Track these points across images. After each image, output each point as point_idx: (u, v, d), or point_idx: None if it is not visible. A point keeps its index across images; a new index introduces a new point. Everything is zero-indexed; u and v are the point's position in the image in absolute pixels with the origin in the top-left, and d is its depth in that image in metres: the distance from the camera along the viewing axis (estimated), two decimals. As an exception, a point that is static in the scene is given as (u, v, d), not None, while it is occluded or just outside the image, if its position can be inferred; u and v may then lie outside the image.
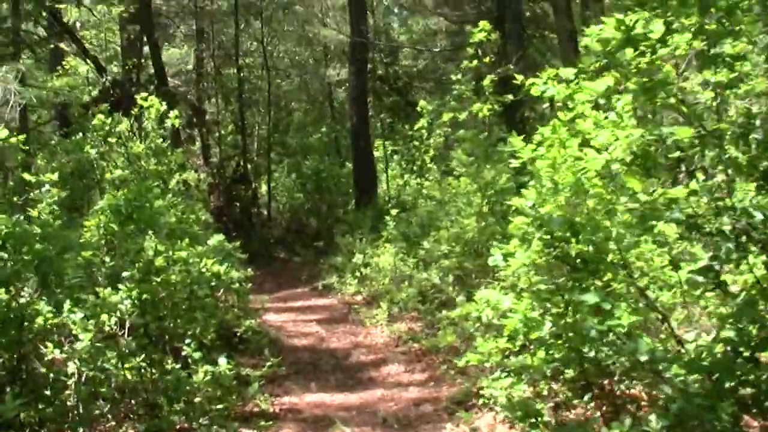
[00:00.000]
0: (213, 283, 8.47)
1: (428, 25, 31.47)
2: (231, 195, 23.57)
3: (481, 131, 12.05)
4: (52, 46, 23.53)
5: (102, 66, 21.33)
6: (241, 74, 25.21)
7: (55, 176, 9.40)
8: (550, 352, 6.33)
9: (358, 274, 15.36)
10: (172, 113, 13.94)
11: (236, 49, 24.67)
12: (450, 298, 11.11)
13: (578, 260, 5.89)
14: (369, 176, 21.90)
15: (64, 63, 22.55)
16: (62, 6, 22.83)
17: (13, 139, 8.32)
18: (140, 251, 7.69)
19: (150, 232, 8.15)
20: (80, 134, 13.45)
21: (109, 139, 12.99)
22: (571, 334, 5.86)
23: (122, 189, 8.65)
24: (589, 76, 6.25)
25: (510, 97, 11.46)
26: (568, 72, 6.45)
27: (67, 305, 6.80)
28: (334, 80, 29.39)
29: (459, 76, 12.99)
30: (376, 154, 23.69)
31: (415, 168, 23.49)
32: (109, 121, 13.01)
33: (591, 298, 5.52)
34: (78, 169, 13.21)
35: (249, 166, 25.13)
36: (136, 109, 13.81)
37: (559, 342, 6.13)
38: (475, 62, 12.50)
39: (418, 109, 23.19)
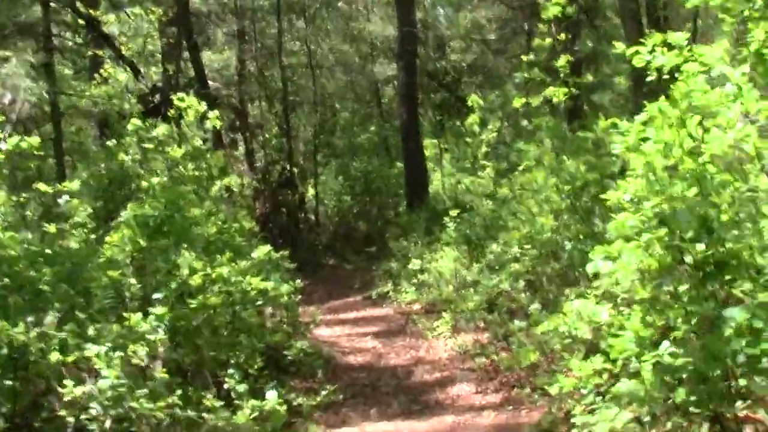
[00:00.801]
0: (259, 302, 7.45)
1: (475, 17, 30.44)
2: (277, 200, 22.57)
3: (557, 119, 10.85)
4: (90, 53, 22.97)
5: (138, 70, 20.52)
6: (285, 75, 24.15)
7: (75, 185, 8.40)
8: (667, 377, 5.18)
9: (414, 280, 14.25)
10: (212, 114, 12.90)
11: (279, 49, 23.66)
12: (521, 306, 9.98)
13: (711, 265, 4.73)
14: (420, 176, 20.84)
15: (101, 71, 21.90)
16: (98, 12, 22.18)
17: (24, 144, 7.24)
18: (173, 269, 6.65)
19: (184, 246, 7.13)
20: (114, 141, 12.45)
21: (146, 145, 11.99)
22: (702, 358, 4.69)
23: (151, 197, 7.46)
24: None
25: (590, 77, 10.29)
26: (678, 37, 5.32)
27: (90, 334, 5.80)
28: (382, 77, 28.30)
29: (531, 57, 11.43)
30: (426, 152, 22.62)
31: (467, 165, 22.45)
32: (144, 125, 12.01)
33: (739, 314, 4.35)
34: (113, 178, 12.24)
35: (295, 169, 24.10)
36: (172, 111, 12.82)
37: (683, 364, 4.96)
38: (548, 40, 11.05)
39: (469, 104, 22.25)
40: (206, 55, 25.49)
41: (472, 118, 21.92)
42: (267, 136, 24.93)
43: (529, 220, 10.67)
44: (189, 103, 12.68)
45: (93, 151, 14.29)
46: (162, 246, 7.20)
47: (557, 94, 10.41)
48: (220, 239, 9.02)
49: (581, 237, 8.64)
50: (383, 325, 13.24)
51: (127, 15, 22.63)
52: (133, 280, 6.76)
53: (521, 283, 10.36)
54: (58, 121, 16.84)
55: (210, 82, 22.59)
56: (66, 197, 8.51)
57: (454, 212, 13.90)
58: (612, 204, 5.97)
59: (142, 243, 7.04)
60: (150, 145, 11.84)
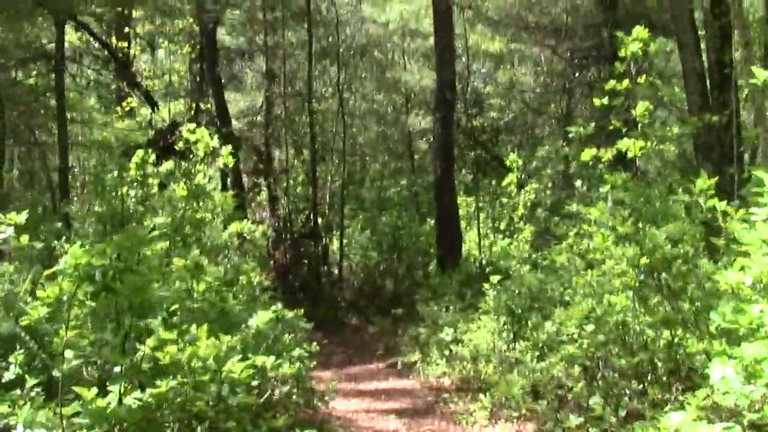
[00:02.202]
0: (255, 382, 5.99)
1: (515, 74, 29.40)
2: (299, 251, 21.15)
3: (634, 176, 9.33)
4: (114, 87, 22.36)
5: (155, 103, 19.51)
6: (314, 120, 22.86)
7: (16, 217, 6.75)
8: None
9: (446, 352, 12.70)
10: (224, 149, 11.53)
11: (309, 92, 22.40)
12: (577, 397, 8.45)
13: None
14: (453, 235, 19.41)
15: (124, 104, 21.12)
16: (124, 45, 21.43)
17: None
18: (123, 343, 5.10)
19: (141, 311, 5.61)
20: (115, 175, 11.07)
21: (150, 180, 10.61)
22: None
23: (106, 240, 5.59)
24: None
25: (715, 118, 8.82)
26: None
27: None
28: (416, 129, 27.04)
29: (604, 101, 9.83)
30: (460, 211, 21.25)
31: (503, 227, 21.11)
32: (147, 158, 10.62)
33: None
34: (113, 216, 10.87)
35: (320, 220, 22.72)
36: (180, 144, 11.49)
37: None
38: (626, 83, 9.50)
39: (507, 163, 21.00)
40: (233, 96, 24.43)
41: (510, 178, 20.69)
42: (292, 182, 23.59)
43: (591, 296, 9.12)
44: (199, 136, 11.30)
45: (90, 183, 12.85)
46: (111, 311, 5.45)
47: (632, 147, 8.97)
48: (206, 301, 7.51)
49: (668, 324, 7.15)
50: (408, 401, 11.66)
51: (151, 46, 21.92)
52: (68, 353, 5.13)
53: (577, 370, 8.84)
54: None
55: (234, 122, 21.45)
56: (8, 231, 6.84)
57: (495, 278, 12.31)
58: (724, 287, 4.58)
59: (84, 303, 5.31)
60: (153, 181, 10.44)
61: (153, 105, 19.56)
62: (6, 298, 7.09)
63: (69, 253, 4.89)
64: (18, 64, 20.16)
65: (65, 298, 5.16)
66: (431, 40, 22.67)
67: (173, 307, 5.97)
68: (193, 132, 11.29)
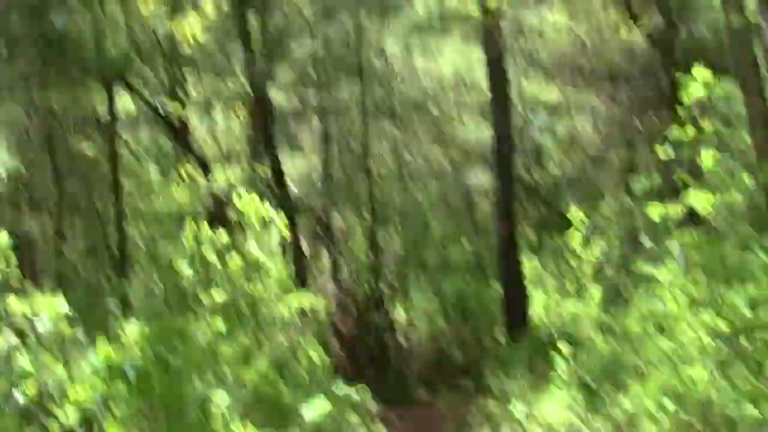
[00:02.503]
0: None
1: (575, 125, 28.64)
2: (364, 322, 20.56)
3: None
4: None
5: (209, 170, 19.32)
6: (372, 181, 22.41)
7: (52, 300, 6.10)
8: None
9: (519, 429, 11.92)
10: (279, 218, 11.06)
11: (365, 152, 21.98)
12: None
13: None
14: (519, 298, 18.72)
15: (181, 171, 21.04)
16: (178, 109, 21.42)
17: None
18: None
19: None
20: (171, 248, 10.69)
21: (205, 254, 10.15)
22: None
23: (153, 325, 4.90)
24: None
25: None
26: None
27: None
28: (476, 187, 26.41)
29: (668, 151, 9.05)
30: (525, 272, 20.48)
31: (570, 288, 20.29)
32: (198, 229, 10.18)
33: None
34: (169, 295, 10.44)
35: (384, 288, 22.12)
36: (233, 214, 11.10)
37: None
38: (691, 131, 8.68)
39: (571, 219, 20.33)
40: (289, 158, 24.14)
41: (574, 236, 19.98)
42: (353, 249, 23.08)
43: (666, 366, 8.35)
44: (252, 204, 10.88)
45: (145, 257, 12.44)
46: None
47: (702, 202, 8.25)
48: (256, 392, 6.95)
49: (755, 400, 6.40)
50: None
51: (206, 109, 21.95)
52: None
53: (660, 451, 8.06)
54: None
55: (291, 185, 21.13)
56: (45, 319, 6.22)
57: (564, 348, 11.55)
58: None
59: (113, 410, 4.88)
60: (209, 254, 10.00)
61: (207, 171, 19.37)
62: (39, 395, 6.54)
63: (98, 348, 4.55)
64: (73, 132, 20.21)
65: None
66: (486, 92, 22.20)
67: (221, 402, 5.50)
68: (243, 200, 10.92)
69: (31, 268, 18.90)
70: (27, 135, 19.17)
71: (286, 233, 11.78)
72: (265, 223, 11.81)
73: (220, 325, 9.24)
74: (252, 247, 10.29)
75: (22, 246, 19.89)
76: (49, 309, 6.02)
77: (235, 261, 10.14)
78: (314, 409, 6.82)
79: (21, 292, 6.85)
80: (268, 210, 11.09)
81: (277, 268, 10.74)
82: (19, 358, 5.75)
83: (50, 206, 20.33)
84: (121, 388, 4.50)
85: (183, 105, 21.93)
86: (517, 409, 12.04)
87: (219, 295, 9.74)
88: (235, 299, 9.79)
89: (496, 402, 13.35)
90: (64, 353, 7.20)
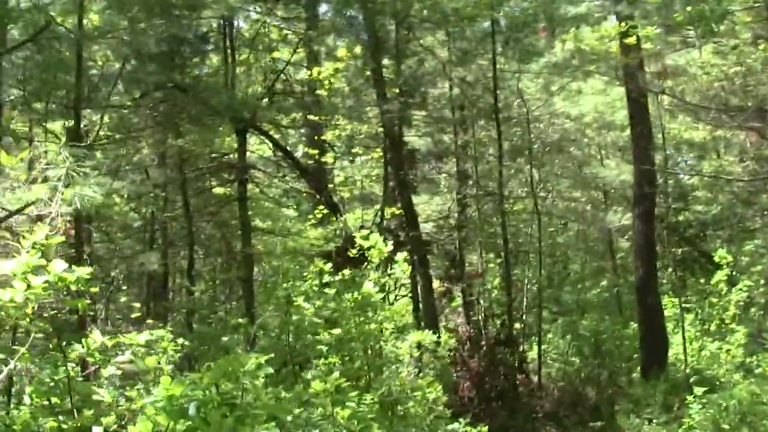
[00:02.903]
0: None
1: (722, 164, 27.76)
2: (495, 359, 20.30)
3: None
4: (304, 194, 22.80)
5: (339, 211, 19.64)
6: (507, 221, 22.22)
7: (135, 337, 6.16)
8: None
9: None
10: (400, 256, 11.13)
11: (500, 192, 21.85)
12: None
13: None
14: (658, 339, 18.18)
15: (316, 212, 21.45)
16: (315, 152, 21.87)
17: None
18: None
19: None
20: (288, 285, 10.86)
21: (324, 290, 10.32)
22: None
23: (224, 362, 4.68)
24: None
25: None
26: None
27: None
28: (615, 227, 25.91)
29: None
30: (665, 312, 19.90)
31: (712, 329, 19.62)
32: (323, 268, 10.37)
33: None
34: (290, 332, 10.62)
35: (516, 325, 21.86)
36: (353, 251, 11.22)
37: None
38: None
39: (716, 259, 19.67)
40: (424, 199, 24.27)
41: (719, 275, 19.39)
42: (487, 287, 22.91)
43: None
44: (372, 242, 10.97)
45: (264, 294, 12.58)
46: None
47: None
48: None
49: None
50: None
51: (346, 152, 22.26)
52: None
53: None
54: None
55: (424, 225, 21.21)
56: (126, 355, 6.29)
57: (699, 390, 11.18)
58: None
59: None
60: (329, 291, 10.13)
61: (336, 212, 19.69)
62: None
63: (161, 384, 4.43)
64: (205, 174, 20.93)
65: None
66: (628, 132, 21.85)
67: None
68: (366, 238, 11.01)
69: (163, 304, 19.65)
70: (162, 176, 19.92)
71: (406, 270, 11.83)
72: (388, 262, 11.91)
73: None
74: (369, 284, 10.30)
75: (155, 283, 20.79)
76: (132, 343, 6.06)
77: (352, 298, 10.20)
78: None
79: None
80: (389, 247, 11.17)
81: (395, 305, 10.84)
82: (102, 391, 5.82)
83: (182, 245, 21.07)
84: (180, 427, 4.24)
85: (318, 149, 22.41)
86: (649, 451, 11.69)
87: (334, 332, 9.84)
88: (350, 335, 9.84)
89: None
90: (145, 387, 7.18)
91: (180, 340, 9.82)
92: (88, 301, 6.06)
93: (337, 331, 9.91)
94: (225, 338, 10.31)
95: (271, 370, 4.44)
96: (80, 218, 12.56)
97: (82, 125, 15.04)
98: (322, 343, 9.69)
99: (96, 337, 5.20)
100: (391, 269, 11.45)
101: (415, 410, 9.55)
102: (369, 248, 10.99)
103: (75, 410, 4.70)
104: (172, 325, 18.28)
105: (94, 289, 6.82)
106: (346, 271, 10.52)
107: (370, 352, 9.86)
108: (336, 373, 6.27)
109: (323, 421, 6.53)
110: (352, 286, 10.13)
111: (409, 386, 9.80)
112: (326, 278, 10.28)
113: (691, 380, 14.19)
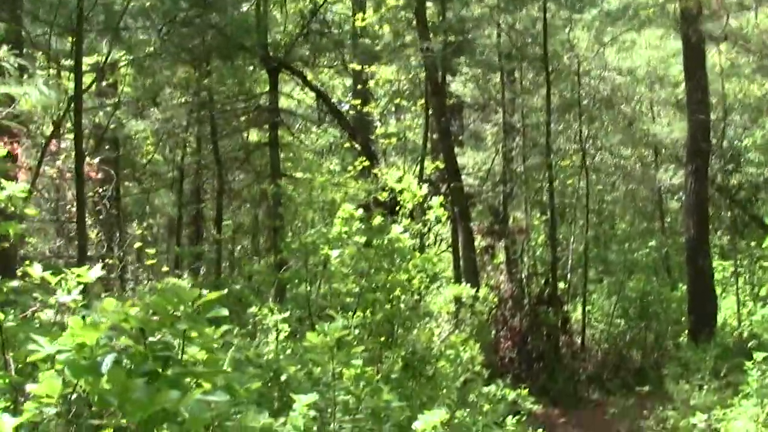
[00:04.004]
0: None
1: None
2: (537, 318, 19.60)
3: None
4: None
5: (375, 159, 18.89)
6: (554, 176, 21.39)
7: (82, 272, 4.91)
8: None
9: (699, 442, 10.89)
10: (435, 200, 10.29)
11: (548, 147, 21.02)
12: None
13: None
14: (708, 302, 17.42)
15: (356, 163, 20.85)
16: (357, 102, 21.20)
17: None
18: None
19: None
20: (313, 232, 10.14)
21: (356, 239, 9.53)
22: None
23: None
24: None
25: None
26: None
27: None
28: (666, 185, 24.98)
29: None
30: (715, 276, 19.12)
31: (763, 293, 18.83)
32: (356, 216, 9.57)
33: None
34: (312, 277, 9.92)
35: (560, 284, 21.12)
36: (384, 194, 10.49)
37: None
38: None
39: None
40: (470, 153, 23.52)
41: (772, 239, 18.55)
42: (531, 244, 22.13)
43: None
44: (405, 184, 10.18)
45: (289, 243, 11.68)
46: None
47: None
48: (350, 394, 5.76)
49: None
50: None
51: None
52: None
53: None
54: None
55: (466, 178, 20.48)
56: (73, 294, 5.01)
57: (759, 356, 10.40)
58: None
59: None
60: (359, 239, 9.32)
61: (373, 161, 18.96)
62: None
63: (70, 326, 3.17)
64: (236, 117, 20.06)
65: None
66: (682, 88, 20.89)
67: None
68: (399, 180, 10.22)
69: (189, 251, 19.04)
70: (191, 121, 19.16)
71: (443, 217, 10.92)
72: (423, 211, 11.07)
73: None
74: (398, 228, 9.36)
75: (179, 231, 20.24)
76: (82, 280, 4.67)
77: (377, 243, 9.34)
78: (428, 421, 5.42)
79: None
80: (423, 190, 10.36)
81: (429, 257, 9.95)
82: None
83: (211, 192, 20.39)
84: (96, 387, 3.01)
85: (359, 97, 21.68)
86: (698, 418, 11.01)
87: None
88: (374, 285, 9.01)
89: (674, 410, 12.28)
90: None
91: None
92: (22, 226, 5.25)
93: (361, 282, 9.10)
94: (237, 286, 9.53)
95: (225, 313, 3.24)
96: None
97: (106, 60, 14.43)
98: (349, 295, 8.92)
99: (34, 271, 4.25)
100: (425, 216, 10.61)
101: (446, 371, 8.87)
102: (401, 191, 10.23)
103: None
104: (204, 277, 17.82)
105: (32, 212, 6.17)
106: (379, 218, 9.71)
107: (395, 304, 9.03)
108: (338, 323, 5.37)
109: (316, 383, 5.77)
110: (382, 234, 9.29)
111: (441, 344, 9.15)
112: (356, 225, 9.48)
113: (749, 345, 13.47)
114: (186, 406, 2.88)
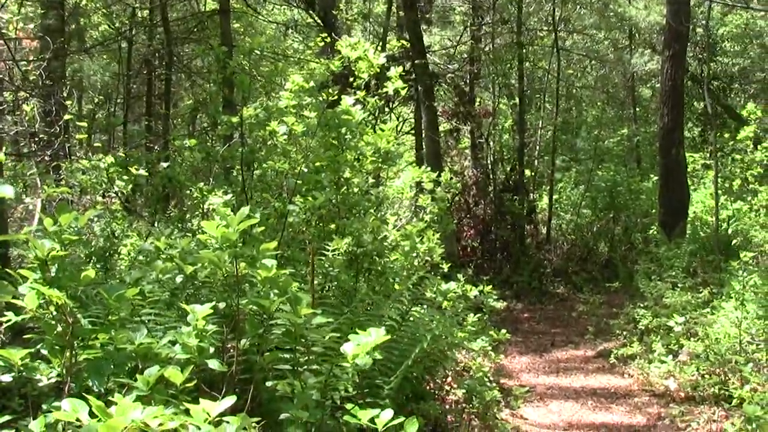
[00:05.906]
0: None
1: (752, 15, 25.57)
2: (502, 207, 18.67)
3: None
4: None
5: (338, 34, 17.51)
6: (524, 57, 20.20)
7: None
8: None
9: (674, 346, 10.13)
10: (393, 71, 9.10)
11: (519, 26, 19.77)
12: None
13: None
14: (680, 195, 16.52)
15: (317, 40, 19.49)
16: None
17: None
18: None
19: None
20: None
21: (306, 113, 8.35)
22: None
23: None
24: None
25: None
26: None
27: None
28: (640, 70, 23.95)
29: None
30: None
31: (734, 188, 17.99)
32: (306, 88, 8.38)
33: None
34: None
35: (527, 172, 20.19)
36: (336, 62, 9.26)
37: None
38: None
39: (744, 113, 17.92)
40: (437, 31, 22.23)
41: (747, 131, 17.65)
42: (498, 128, 21.00)
43: None
44: (361, 52, 8.92)
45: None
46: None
47: None
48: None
49: None
50: (623, 411, 9.13)
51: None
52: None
53: None
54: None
55: (432, 57, 19.27)
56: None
57: (746, 255, 9.53)
58: None
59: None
60: (310, 113, 8.16)
61: (333, 36, 17.62)
62: None
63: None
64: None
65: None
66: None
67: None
68: (354, 48, 8.96)
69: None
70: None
71: (402, 89, 9.71)
72: (378, 80, 10.00)
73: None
74: (349, 100, 8.21)
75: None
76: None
77: (330, 115, 8.17)
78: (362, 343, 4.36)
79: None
80: (380, 59, 9.11)
81: (382, 134, 8.76)
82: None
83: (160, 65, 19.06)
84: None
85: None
86: (674, 320, 10.21)
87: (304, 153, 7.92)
88: (317, 164, 7.91)
89: (646, 309, 11.48)
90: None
91: (134, 169, 8.17)
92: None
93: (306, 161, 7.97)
94: (165, 164, 8.30)
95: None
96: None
97: None
98: (290, 177, 7.73)
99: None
100: (382, 89, 9.42)
101: (400, 263, 7.89)
102: (356, 60, 9.01)
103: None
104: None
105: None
106: (330, 92, 8.50)
107: (345, 188, 7.93)
108: (244, 210, 4.22)
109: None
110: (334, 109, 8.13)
111: (396, 234, 8.09)
112: (306, 99, 8.30)
113: (734, 243, 12.70)
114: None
